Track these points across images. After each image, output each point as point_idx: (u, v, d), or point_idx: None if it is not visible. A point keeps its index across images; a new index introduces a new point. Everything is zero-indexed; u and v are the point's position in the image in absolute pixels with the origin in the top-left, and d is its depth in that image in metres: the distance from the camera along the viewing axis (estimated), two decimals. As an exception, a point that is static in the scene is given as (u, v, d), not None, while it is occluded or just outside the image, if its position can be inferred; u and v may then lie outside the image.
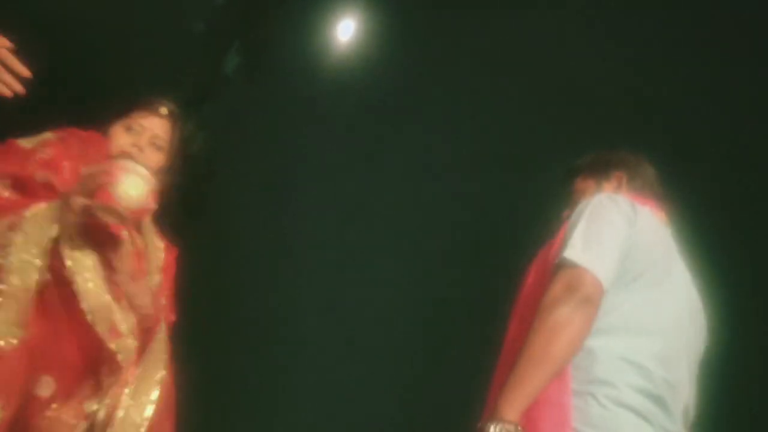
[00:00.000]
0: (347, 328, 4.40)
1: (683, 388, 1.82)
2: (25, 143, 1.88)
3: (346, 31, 4.57)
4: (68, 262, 1.72)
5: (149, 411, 1.81)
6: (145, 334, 1.88)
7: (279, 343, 4.32)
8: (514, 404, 1.57)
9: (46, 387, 1.70)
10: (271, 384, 4.32)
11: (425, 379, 4.17)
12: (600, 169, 2.24)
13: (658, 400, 1.71)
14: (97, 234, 1.76)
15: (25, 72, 1.61)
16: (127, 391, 1.79)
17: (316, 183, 4.61)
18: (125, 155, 1.95)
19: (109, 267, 1.78)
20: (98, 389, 1.77)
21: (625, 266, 1.79)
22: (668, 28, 4.33)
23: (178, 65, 4.50)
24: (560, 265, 1.73)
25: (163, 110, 2.10)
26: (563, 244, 1.78)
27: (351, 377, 4.33)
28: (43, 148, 1.86)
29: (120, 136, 2.01)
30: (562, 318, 1.62)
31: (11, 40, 1.62)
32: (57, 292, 1.72)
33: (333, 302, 4.48)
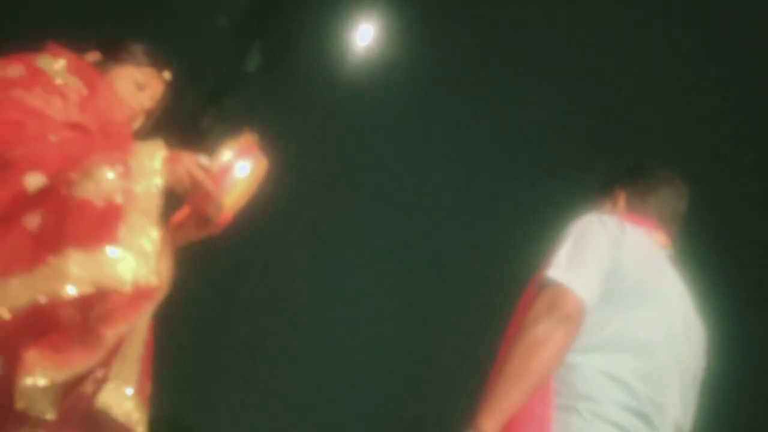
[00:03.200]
0: (349, 333, 4.45)
1: (672, 407, 1.82)
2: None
3: (364, 35, 4.61)
4: None
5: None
6: None
7: (280, 339, 4.37)
8: (491, 417, 1.61)
9: None
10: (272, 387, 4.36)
11: (418, 394, 4.21)
12: (605, 185, 2.26)
13: (643, 417, 1.73)
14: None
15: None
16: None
17: (329, 182, 4.65)
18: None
19: None
20: None
21: (611, 285, 1.81)
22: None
23: (201, 58, 4.54)
24: (543, 284, 1.77)
25: (167, 75, 2.14)
26: (548, 263, 1.81)
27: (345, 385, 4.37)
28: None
29: (128, 89, 2.05)
30: (541, 335, 1.66)
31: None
32: None
33: (335, 297, 4.51)
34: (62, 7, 3.60)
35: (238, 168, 1.78)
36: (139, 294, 1.51)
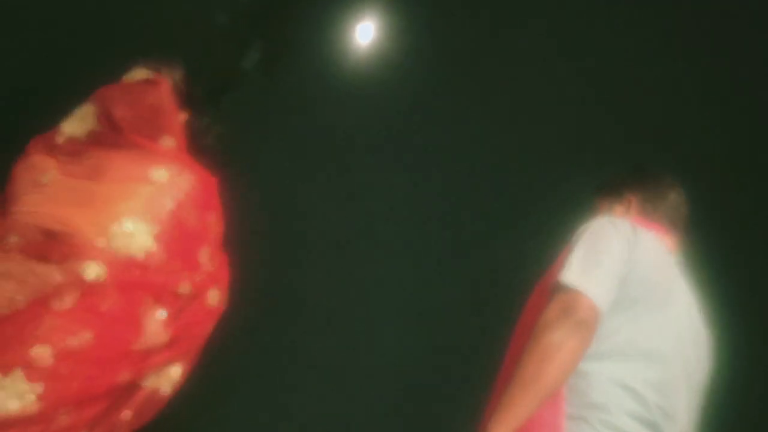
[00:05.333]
0: (353, 328, 4.43)
1: (681, 416, 1.82)
2: None
3: (365, 33, 4.59)
4: None
5: None
6: None
7: (281, 342, 4.36)
8: (504, 424, 1.59)
9: None
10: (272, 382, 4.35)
11: (423, 397, 4.19)
12: (614, 189, 2.25)
13: (653, 427, 1.72)
14: None
15: None
16: None
17: (329, 183, 4.63)
18: None
19: None
20: None
21: (624, 291, 1.79)
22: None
23: (199, 56, 4.51)
24: (557, 288, 1.74)
25: None
26: (561, 267, 1.79)
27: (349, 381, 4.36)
28: None
29: None
30: (555, 341, 1.63)
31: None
32: None
33: (339, 299, 4.50)
34: (61, 7, 3.57)
35: None
36: None
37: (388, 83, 4.38)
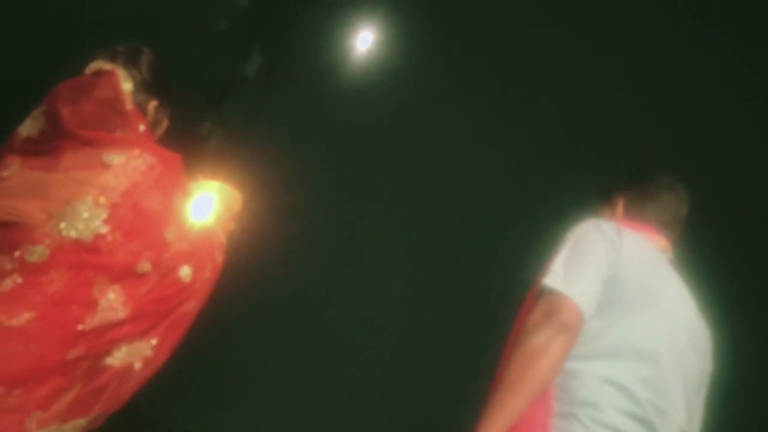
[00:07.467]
0: (349, 336, 4.43)
1: (676, 413, 1.80)
2: None
3: (365, 41, 4.62)
4: None
5: None
6: None
7: (280, 343, 4.35)
8: (493, 425, 1.61)
9: None
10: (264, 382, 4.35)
11: (419, 401, 4.19)
12: (604, 192, 2.27)
13: (646, 424, 1.72)
14: None
15: None
16: None
17: (328, 188, 4.64)
18: None
19: None
20: None
21: (610, 292, 1.81)
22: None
23: (200, 63, 4.53)
24: (541, 292, 1.77)
25: None
26: (545, 271, 1.81)
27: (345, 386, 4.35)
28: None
29: None
30: (539, 343, 1.66)
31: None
32: None
33: (338, 302, 4.50)
34: (61, 10, 3.59)
35: None
36: None
37: (388, 89, 4.40)
